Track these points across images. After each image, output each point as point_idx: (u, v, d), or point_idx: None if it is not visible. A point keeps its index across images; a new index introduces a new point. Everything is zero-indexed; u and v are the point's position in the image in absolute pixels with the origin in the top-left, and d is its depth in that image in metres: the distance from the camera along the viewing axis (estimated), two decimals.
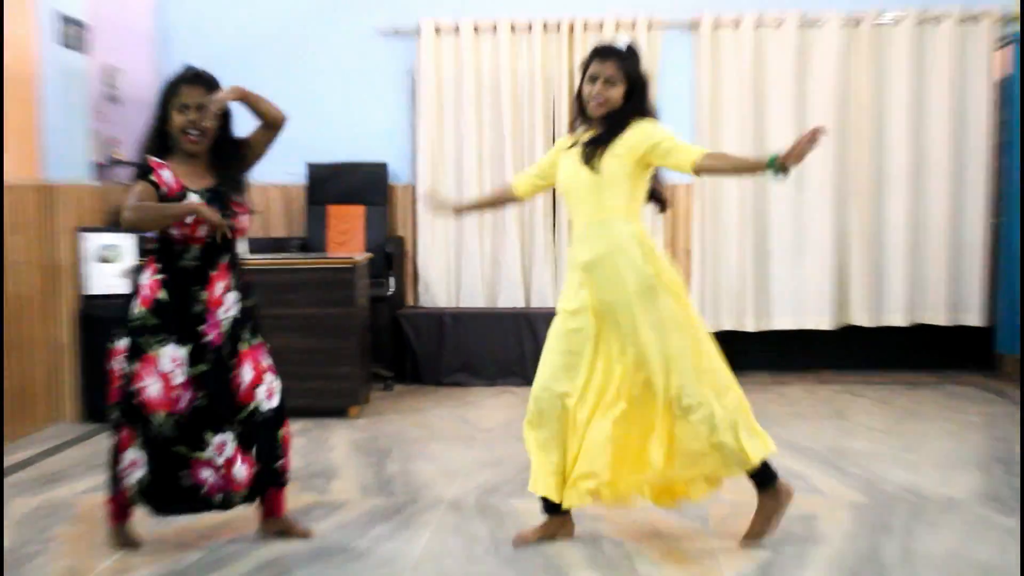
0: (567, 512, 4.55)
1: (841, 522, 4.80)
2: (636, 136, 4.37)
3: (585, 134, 4.52)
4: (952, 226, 8.35)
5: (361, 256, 7.32)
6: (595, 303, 4.42)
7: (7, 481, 5.66)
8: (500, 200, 5.02)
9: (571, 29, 8.43)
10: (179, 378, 4.28)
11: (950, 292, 8.38)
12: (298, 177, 8.67)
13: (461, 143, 8.51)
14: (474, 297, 8.54)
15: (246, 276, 4.55)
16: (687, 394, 4.34)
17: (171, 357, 4.27)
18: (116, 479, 4.40)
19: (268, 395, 4.48)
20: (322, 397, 7.01)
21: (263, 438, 4.47)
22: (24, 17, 6.79)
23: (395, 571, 4.27)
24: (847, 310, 8.47)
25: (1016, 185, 7.87)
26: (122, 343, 4.32)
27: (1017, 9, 8.17)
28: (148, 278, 4.34)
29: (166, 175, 4.32)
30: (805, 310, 8.43)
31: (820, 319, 8.41)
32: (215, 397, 4.35)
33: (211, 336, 4.34)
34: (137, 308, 4.31)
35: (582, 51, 8.36)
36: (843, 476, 5.57)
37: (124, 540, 4.56)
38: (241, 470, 4.39)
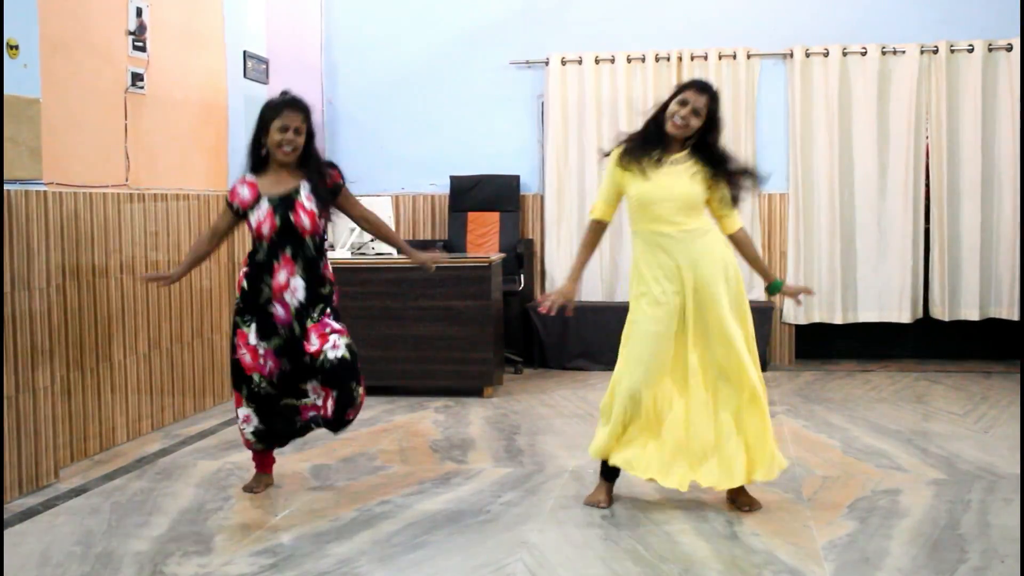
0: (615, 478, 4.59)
1: (923, 496, 4.60)
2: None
3: (667, 155, 4.40)
4: (1021, 230, 7.98)
5: (496, 256, 7.29)
6: (687, 292, 4.33)
7: (195, 446, 5.70)
8: (597, 241, 4.76)
9: (679, 59, 8.28)
10: (260, 349, 4.56)
11: (1020, 290, 8.02)
12: (442, 188, 8.66)
13: (583, 158, 8.42)
14: (594, 292, 8.42)
15: (325, 270, 4.64)
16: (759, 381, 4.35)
17: (253, 332, 4.57)
18: (240, 431, 4.72)
19: (333, 347, 4.48)
20: (461, 378, 6.97)
21: (339, 386, 4.50)
22: (217, 55, 6.92)
23: (523, 532, 4.18)
24: (925, 305, 8.20)
25: None
26: (233, 322, 4.68)
27: None
28: (241, 271, 4.66)
29: (242, 191, 4.58)
30: (887, 305, 8.18)
31: (901, 313, 8.14)
32: (294, 362, 4.57)
33: (275, 316, 4.54)
34: (236, 295, 4.65)
35: (689, 78, 8.18)
36: (924, 455, 5.34)
37: (252, 485, 4.81)
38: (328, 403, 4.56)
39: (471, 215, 8.48)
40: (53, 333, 4.99)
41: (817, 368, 8.07)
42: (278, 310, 4.53)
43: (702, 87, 4.37)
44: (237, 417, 4.68)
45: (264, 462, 4.85)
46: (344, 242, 7.14)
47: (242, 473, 5.08)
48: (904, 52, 8.06)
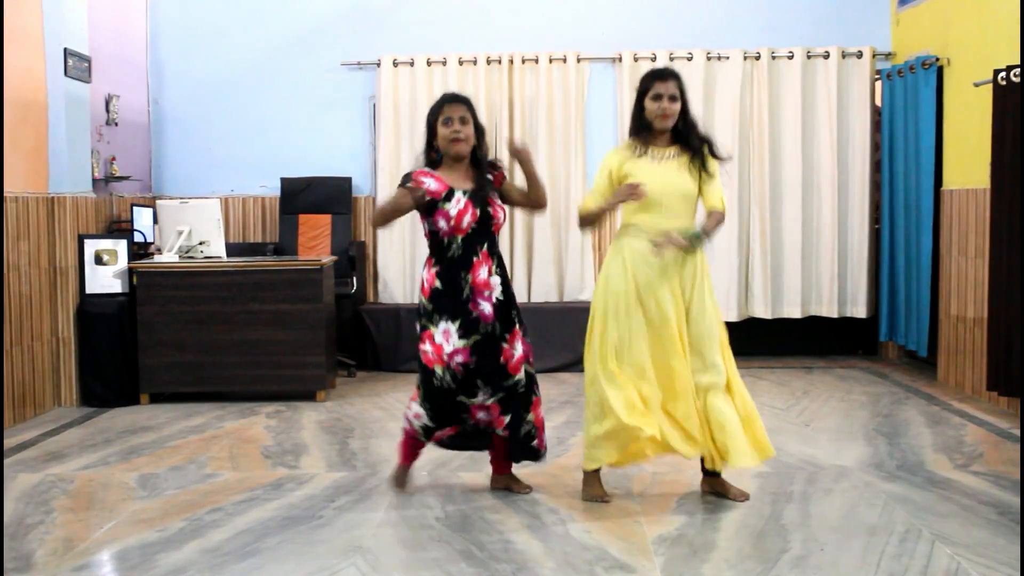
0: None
1: (748, 489, 4.72)
2: (711, 167, 4.47)
3: (661, 149, 4.48)
4: (839, 231, 8.35)
5: (327, 259, 7.21)
6: (673, 289, 4.43)
7: (15, 459, 5.47)
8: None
9: (510, 62, 8.36)
10: (448, 347, 4.45)
11: (838, 288, 8.38)
12: (273, 190, 8.56)
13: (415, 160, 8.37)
14: None
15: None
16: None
17: (443, 331, 4.46)
18: (407, 421, 4.67)
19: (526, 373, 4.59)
20: (293, 383, 6.88)
21: (516, 410, 4.55)
22: (35, 52, 6.66)
23: (357, 536, 4.16)
24: (749, 304, 8.45)
25: (890, 195, 7.96)
26: (418, 326, 4.57)
27: (889, 47, 8.36)
28: (428, 272, 4.56)
29: (429, 182, 4.48)
30: None
31: (727, 312, 8.33)
32: (485, 360, 4.47)
33: (476, 312, 4.47)
34: (421, 297, 4.56)
35: (520, 81, 8.33)
36: None
37: (401, 480, 4.81)
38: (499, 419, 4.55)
39: (302, 217, 8.38)
40: None
41: None
42: (483, 307, 4.48)
43: (663, 74, 4.45)
44: (409, 409, 4.66)
45: (415, 452, 4.82)
46: (171, 245, 6.97)
47: (64, 487, 4.90)
48: (728, 58, 8.31)
